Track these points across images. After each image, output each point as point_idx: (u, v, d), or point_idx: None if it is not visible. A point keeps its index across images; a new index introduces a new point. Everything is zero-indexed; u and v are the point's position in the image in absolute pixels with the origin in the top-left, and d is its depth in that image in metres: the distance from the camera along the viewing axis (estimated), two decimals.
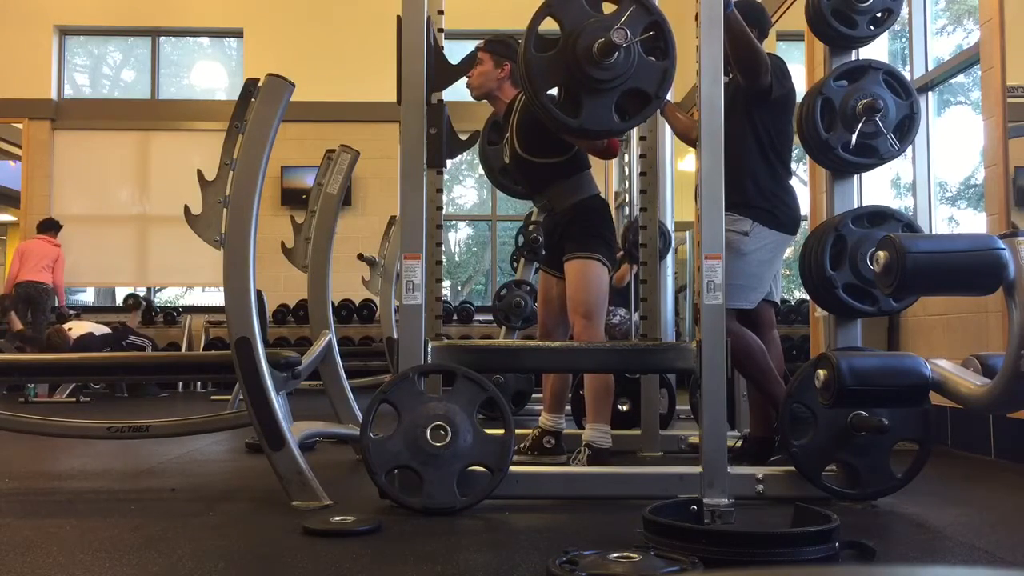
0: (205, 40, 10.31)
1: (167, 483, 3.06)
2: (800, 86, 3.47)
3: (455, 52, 2.93)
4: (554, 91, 2.61)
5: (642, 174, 3.86)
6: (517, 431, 2.79)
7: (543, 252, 3.65)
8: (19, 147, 9.87)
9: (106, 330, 7.48)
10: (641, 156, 3.90)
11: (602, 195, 3.49)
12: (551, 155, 3.33)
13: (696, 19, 2.63)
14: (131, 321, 8.16)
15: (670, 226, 4.28)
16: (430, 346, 2.66)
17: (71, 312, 8.51)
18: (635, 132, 4.00)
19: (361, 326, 9.16)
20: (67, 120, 9.64)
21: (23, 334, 7.74)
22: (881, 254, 1.91)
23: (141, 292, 9.69)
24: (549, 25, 2.52)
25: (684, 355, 2.63)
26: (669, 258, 4.22)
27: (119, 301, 10.57)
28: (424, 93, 2.68)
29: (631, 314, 4.23)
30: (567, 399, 3.56)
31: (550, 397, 3.52)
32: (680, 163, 7.81)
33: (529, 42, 2.50)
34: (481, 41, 3.51)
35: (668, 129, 3.94)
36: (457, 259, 10.41)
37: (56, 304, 8.61)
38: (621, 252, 4.53)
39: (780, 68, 3.29)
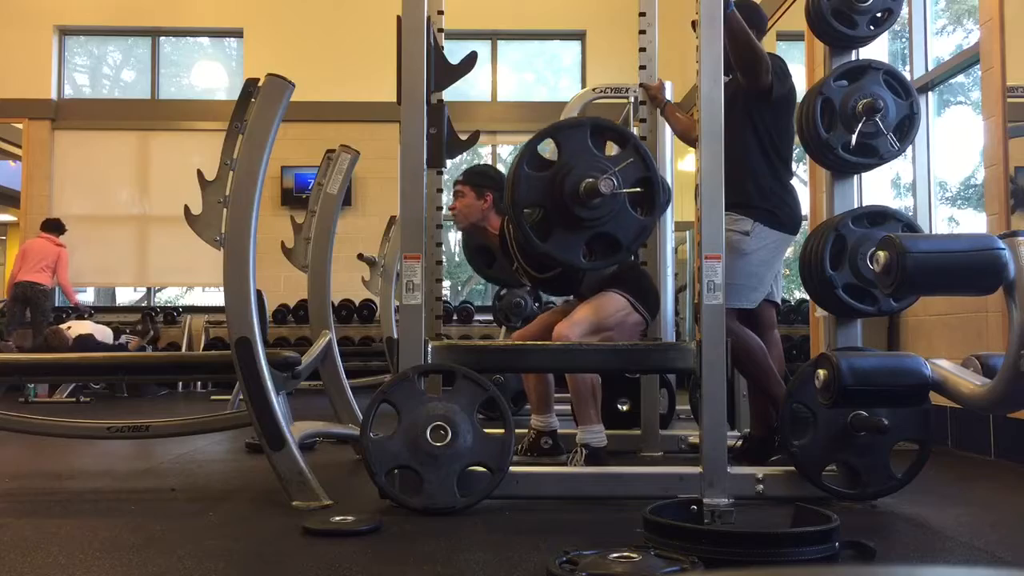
0: (205, 40, 10.30)
1: (167, 483, 3.06)
2: (800, 86, 3.46)
3: (455, 52, 2.93)
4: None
5: None
6: (517, 431, 2.79)
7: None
8: (19, 147, 9.87)
9: (107, 332, 7.47)
10: None
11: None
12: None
13: (694, 25, 2.62)
14: (133, 344, 7.95)
15: (670, 226, 4.26)
16: (430, 346, 2.66)
17: (88, 311, 8.49)
18: (635, 132, 3.98)
19: (361, 326, 9.15)
20: (67, 120, 9.63)
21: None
22: (881, 254, 1.91)
23: (141, 291, 9.63)
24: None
25: (684, 355, 2.63)
26: (669, 258, 4.21)
27: (119, 301, 10.58)
28: (424, 93, 2.67)
29: None
30: (552, 397, 3.54)
31: (535, 399, 3.51)
32: (680, 163, 7.81)
33: (524, 157, 2.56)
34: (460, 174, 3.49)
35: (668, 129, 3.94)
36: (457, 259, 10.38)
37: (71, 305, 8.60)
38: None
39: (780, 68, 3.29)
